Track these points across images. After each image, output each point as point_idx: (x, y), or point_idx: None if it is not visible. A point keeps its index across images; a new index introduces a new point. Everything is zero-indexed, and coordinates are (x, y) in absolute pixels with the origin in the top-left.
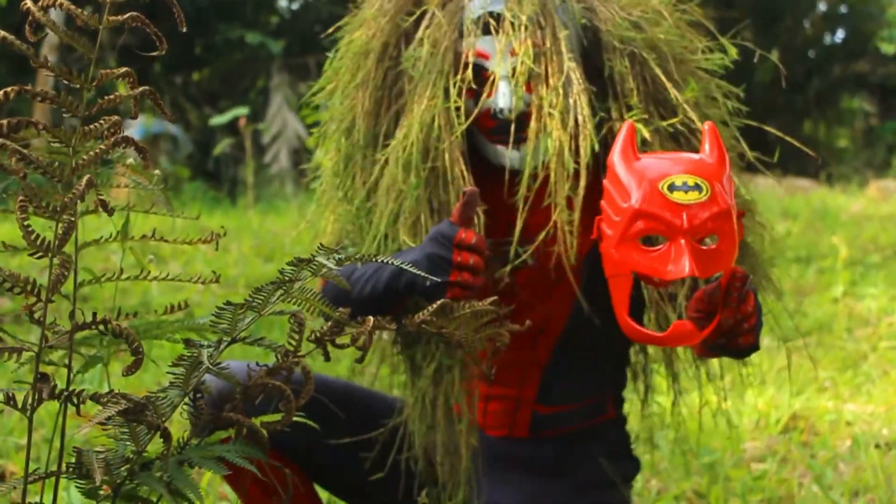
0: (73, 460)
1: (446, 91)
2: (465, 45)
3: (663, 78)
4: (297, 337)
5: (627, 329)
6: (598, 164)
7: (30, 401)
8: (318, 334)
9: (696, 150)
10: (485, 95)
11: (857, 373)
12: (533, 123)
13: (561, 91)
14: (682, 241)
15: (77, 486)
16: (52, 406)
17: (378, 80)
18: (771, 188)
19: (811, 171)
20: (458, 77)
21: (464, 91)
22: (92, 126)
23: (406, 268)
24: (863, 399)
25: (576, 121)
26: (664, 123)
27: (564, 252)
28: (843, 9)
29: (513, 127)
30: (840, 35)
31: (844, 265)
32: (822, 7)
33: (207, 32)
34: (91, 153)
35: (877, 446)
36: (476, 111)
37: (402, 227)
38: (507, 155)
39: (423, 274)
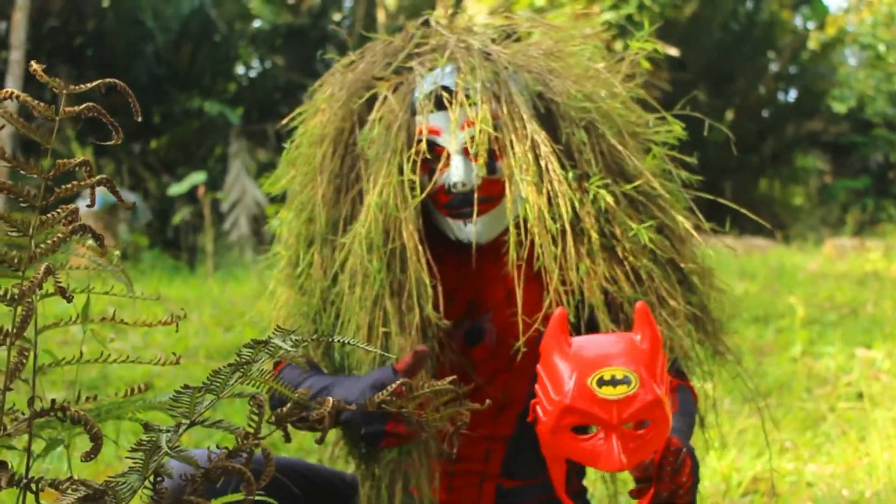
0: None
1: (400, 168)
2: (418, 122)
3: (620, 148)
4: (256, 419)
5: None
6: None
7: None
8: (278, 415)
9: (655, 217)
10: (439, 170)
11: (816, 433)
12: (507, 193)
13: (530, 156)
14: (613, 435)
15: None
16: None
17: (335, 166)
18: (727, 248)
19: (767, 231)
20: (412, 152)
21: (417, 166)
22: (49, 215)
23: (347, 408)
24: (823, 459)
25: (550, 182)
26: (628, 187)
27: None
28: (794, 69)
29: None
30: (793, 94)
31: (802, 324)
32: (775, 67)
33: (165, 101)
34: (49, 241)
35: None
36: (430, 185)
37: (363, 310)
38: (463, 229)
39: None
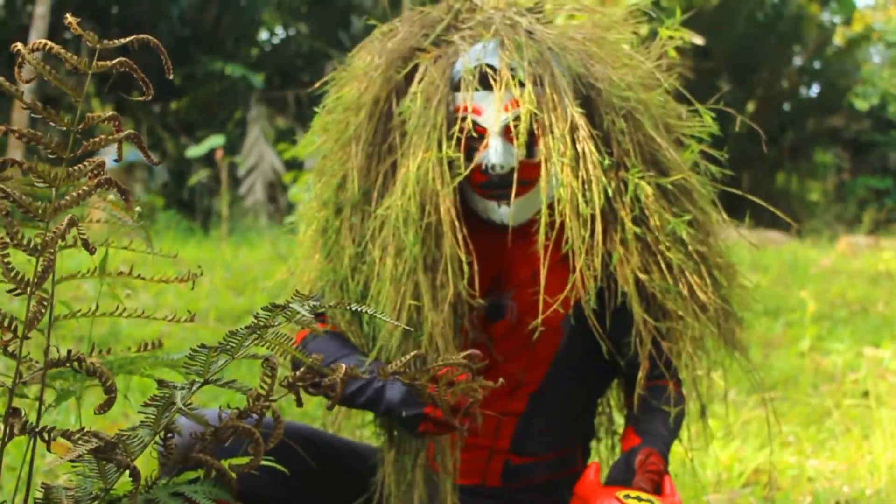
0: (41, 496)
1: (439, 144)
2: (459, 98)
3: (658, 139)
4: (269, 381)
5: None
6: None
7: (1, 436)
8: (290, 380)
9: (687, 210)
10: (478, 151)
11: (820, 429)
12: (543, 173)
13: (568, 139)
14: None
15: None
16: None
17: (370, 135)
18: (746, 242)
19: (782, 224)
20: (455, 129)
21: (455, 145)
22: (76, 167)
23: (361, 376)
24: (825, 455)
25: (586, 167)
26: (666, 181)
27: (584, 295)
28: (818, 64)
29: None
30: (815, 90)
31: (812, 320)
32: (798, 61)
33: (187, 63)
34: (74, 193)
35: (837, 503)
36: (470, 165)
37: (394, 283)
38: (497, 210)
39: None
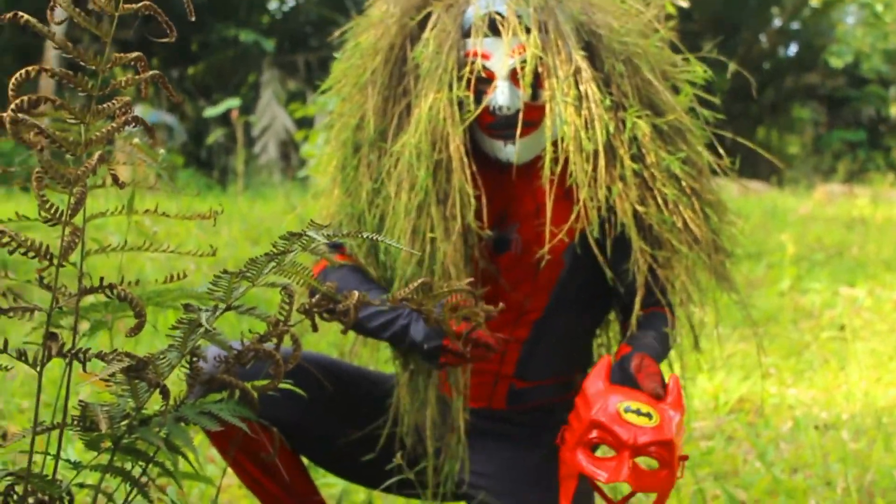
0: (78, 413)
1: (450, 87)
2: (469, 44)
3: (655, 83)
4: (287, 307)
5: None
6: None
7: (40, 357)
8: (306, 306)
9: (681, 150)
10: (486, 93)
11: (799, 360)
12: (548, 112)
13: (572, 81)
14: (626, 455)
15: (81, 438)
16: (54, 373)
17: (385, 79)
18: (726, 189)
19: (763, 175)
20: (465, 71)
21: (471, 85)
22: (104, 105)
23: (372, 302)
24: (804, 385)
25: (589, 106)
26: (661, 121)
27: (587, 225)
28: (796, 25)
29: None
30: (793, 49)
31: (791, 262)
32: (777, 22)
33: (203, 30)
34: (103, 130)
35: (815, 428)
36: (479, 107)
37: (408, 216)
38: (504, 149)
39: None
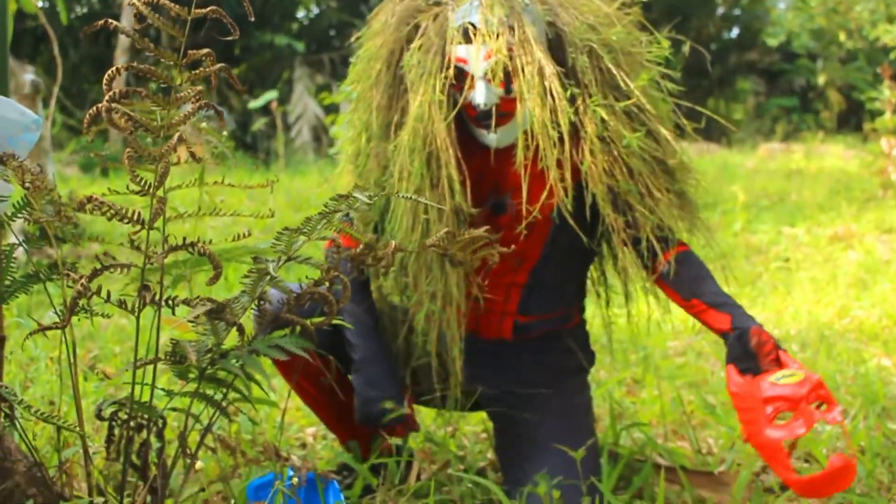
0: (170, 349)
1: (436, 87)
2: (448, 51)
3: (615, 71)
4: (336, 256)
5: (792, 483)
6: (573, 134)
7: (137, 305)
8: (352, 255)
9: (644, 125)
10: (466, 91)
11: (753, 288)
12: (518, 106)
13: (537, 78)
14: (804, 405)
15: (171, 369)
16: (143, 321)
17: (388, 81)
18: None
19: (715, 137)
20: (443, 75)
21: (446, 88)
22: (181, 94)
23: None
24: (758, 308)
25: (552, 99)
26: (620, 105)
27: (558, 199)
28: (737, 11)
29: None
30: (735, 32)
31: (742, 208)
32: (721, 10)
33: (244, 36)
34: (181, 115)
35: None
36: (460, 103)
37: (407, 201)
38: (487, 136)
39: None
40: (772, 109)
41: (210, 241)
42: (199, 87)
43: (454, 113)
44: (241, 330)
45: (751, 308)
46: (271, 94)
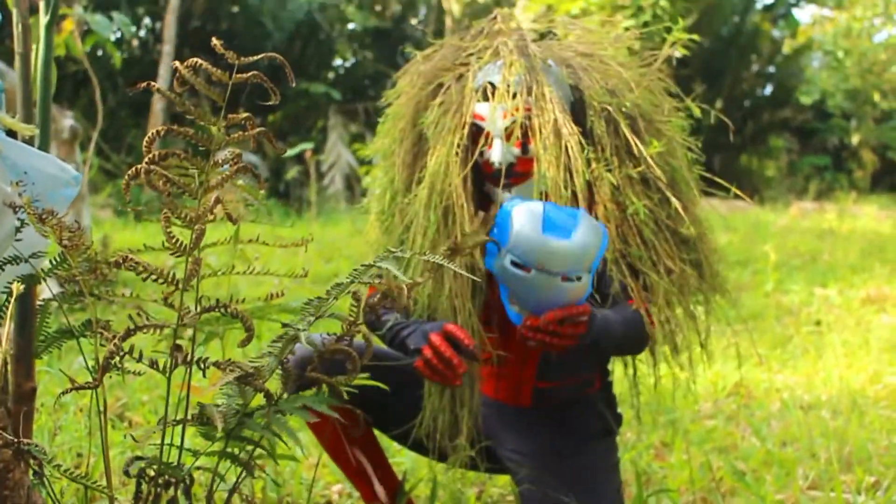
0: (197, 412)
1: (454, 145)
2: (467, 110)
3: (629, 136)
4: (356, 308)
5: None
6: (589, 197)
7: (168, 365)
8: (371, 303)
9: (660, 192)
10: (485, 149)
11: (784, 351)
12: (535, 166)
13: (553, 138)
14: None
15: (199, 430)
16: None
17: (412, 139)
18: (716, 208)
19: (747, 194)
20: (464, 132)
21: (460, 147)
22: (220, 157)
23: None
24: (789, 371)
25: (568, 159)
26: (633, 171)
27: None
28: (771, 69)
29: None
30: (769, 89)
31: (773, 267)
32: (756, 67)
33: (280, 85)
34: (218, 177)
35: (800, 408)
36: (474, 160)
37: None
38: (502, 194)
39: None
40: (804, 168)
41: (243, 300)
42: (238, 151)
43: (468, 168)
44: (268, 395)
45: (781, 371)
46: (306, 144)
